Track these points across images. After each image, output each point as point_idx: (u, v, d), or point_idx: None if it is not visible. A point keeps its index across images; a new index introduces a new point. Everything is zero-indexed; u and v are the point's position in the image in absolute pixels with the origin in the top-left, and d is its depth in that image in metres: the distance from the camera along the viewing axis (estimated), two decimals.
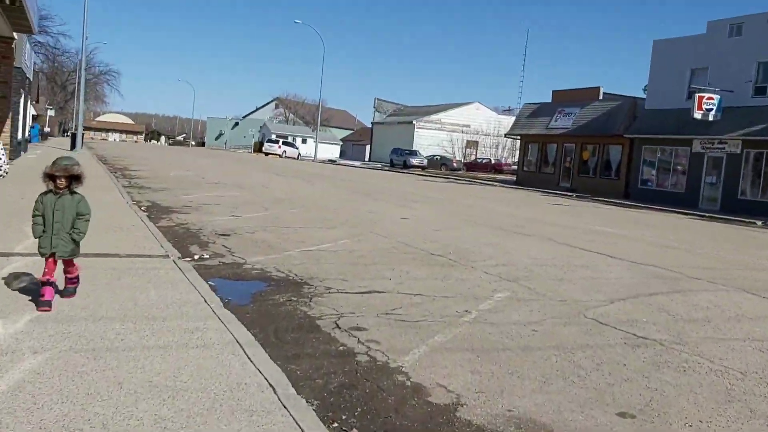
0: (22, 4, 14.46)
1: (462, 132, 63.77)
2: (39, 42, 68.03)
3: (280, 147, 67.55)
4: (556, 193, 33.19)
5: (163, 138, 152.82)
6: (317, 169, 42.80)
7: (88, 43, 36.72)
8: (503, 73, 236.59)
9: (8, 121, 20.11)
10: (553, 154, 38.97)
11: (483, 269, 9.00)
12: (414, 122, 64.27)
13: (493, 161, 58.73)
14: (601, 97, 37.05)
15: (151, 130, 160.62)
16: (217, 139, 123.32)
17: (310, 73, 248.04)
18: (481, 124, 64.57)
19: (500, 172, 55.94)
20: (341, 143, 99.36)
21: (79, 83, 41.11)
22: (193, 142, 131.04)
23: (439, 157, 58.62)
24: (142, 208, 13.03)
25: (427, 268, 8.75)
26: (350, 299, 6.73)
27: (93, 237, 8.62)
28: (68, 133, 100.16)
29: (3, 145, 20.08)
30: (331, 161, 65.36)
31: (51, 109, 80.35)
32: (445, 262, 9.39)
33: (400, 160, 57.11)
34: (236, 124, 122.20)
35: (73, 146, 36.23)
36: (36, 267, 6.47)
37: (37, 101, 70.93)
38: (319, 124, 68.32)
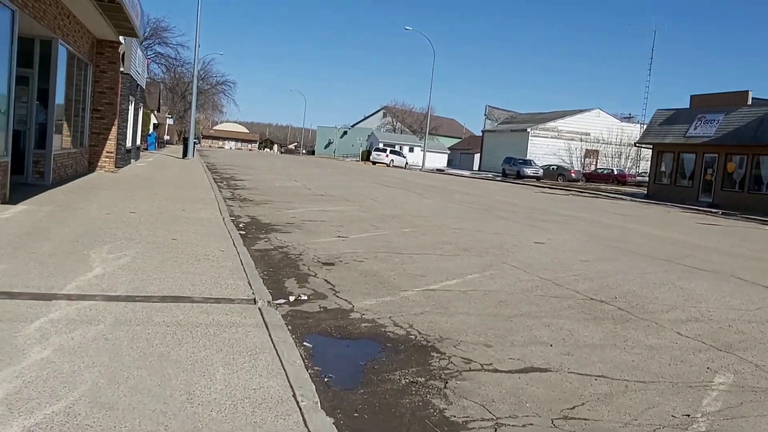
0: (121, 3, 13.40)
1: (581, 140, 59.87)
2: (160, 53, 70.70)
3: (387, 156, 66.32)
4: (697, 210, 29.36)
5: (275, 147, 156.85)
6: (426, 179, 40.86)
7: (205, 55, 36.89)
8: (622, 78, 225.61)
9: (114, 128, 19.53)
10: (691, 165, 34.91)
11: (672, 327, 6.57)
12: (528, 130, 61.07)
13: (615, 172, 54.54)
14: (749, 102, 32.73)
15: (265, 138, 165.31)
16: (326, 147, 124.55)
17: (418, 81, 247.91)
18: (601, 132, 60.42)
19: (624, 183, 51.80)
20: (449, 152, 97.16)
21: (193, 92, 41.48)
22: (304, 151, 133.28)
23: (555, 167, 55.21)
24: (240, 226, 11.49)
25: (594, 325, 6.44)
26: (503, 384, 4.59)
27: (171, 268, 7.06)
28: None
29: (107, 152, 19.52)
30: (439, 170, 63.33)
31: (171, 117, 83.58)
32: (614, 313, 7.02)
33: (513, 169, 54.16)
34: (345, 133, 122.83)
35: (185, 154, 36.30)
36: (87, 318, 4.79)
37: (158, 110, 73.77)
38: (427, 132, 66.47)
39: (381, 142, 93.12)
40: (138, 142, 29.46)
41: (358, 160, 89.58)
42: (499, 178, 51.45)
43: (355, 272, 8.20)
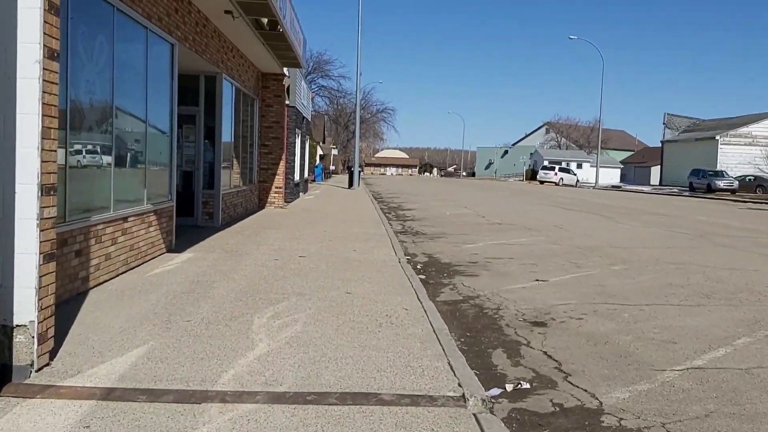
0: (283, 30, 12.60)
1: None
2: (323, 86, 72.99)
3: (555, 174, 62.81)
4: None
5: (435, 170, 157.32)
6: (604, 198, 37.37)
7: (365, 85, 36.71)
8: None
9: (282, 163, 19.07)
10: None
11: None
12: (717, 138, 54.76)
13: None
14: None
15: (424, 163, 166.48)
16: (486, 168, 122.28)
17: (582, 94, 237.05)
18: None
19: None
20: (621, 166, 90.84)
21: (354, 132, 41.52)
22: (464, 173, 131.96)
23: (752, 178, 48.73)
24: (418, 268, 9.96)
25: None
26: None
27: (349, 341, 5.39)
28: (349, 170, 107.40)
29: (276, 187, 19.07)
30: (615, 187, 58.69)
31: (335, 148, 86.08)
32: None
33: (702, 183, 48.54)
34: (505, 152, 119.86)
35: (350, 184, 36.09)
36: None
37: (324, 142, 76.12)
38: (599, 146, 62.09)
39: (546, 159, 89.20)
40: (306, 174, 29.46)
41: (522, 180, 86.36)
42: (687, 193, 46.27)
43: (578, 337, 6.24)
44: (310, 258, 9.93)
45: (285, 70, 18.80)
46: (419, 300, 7.28)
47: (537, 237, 14.67)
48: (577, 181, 63.21)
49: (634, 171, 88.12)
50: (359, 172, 37.08)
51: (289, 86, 22.31)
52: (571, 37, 57.49)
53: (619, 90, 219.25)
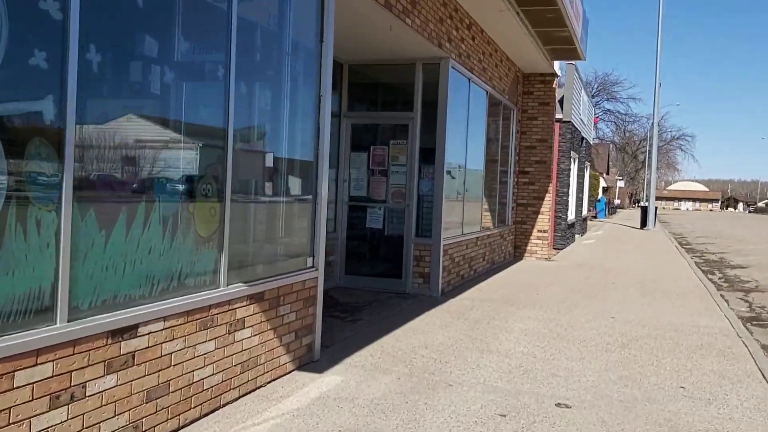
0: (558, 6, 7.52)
1: None
2: (608, 110, 65.11)
3: None
4: None
5: (740, 205, 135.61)
6: None
7: (660, 107, 29.30)
8: None
9: (550, 197, 13.61)
10: None
11: None
12: None
13: None
14: None
15: (727, 197, 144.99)
16: None
17: None
18: None
19: None
20: None
21: (650, 152, 34.00)
22: None
23: None
24: None
25: None
26: None
27: None
28: (638, 205, 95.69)
29: (539, 231, 13.66)
30: None
31: (621, 179, 76.81)
32: None
33: None
34: None
35: (644, 224, 28.79)
36: None
37: (608, 173, 67.88)
38: None
39: None
40: (584, 211, 23.36)
41: None
42: None
43: None
44: (590, 395, 4.52)
45: (556, 66, 13.45)
46: None
47: None
48: None
49: None
50: (654, 208, 29.54)
51: (563, 96, 16.85)
52: None
53: None
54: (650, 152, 33.47)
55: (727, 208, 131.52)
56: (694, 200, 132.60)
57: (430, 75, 8.71)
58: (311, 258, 5.29)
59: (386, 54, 8.43)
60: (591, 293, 9.47)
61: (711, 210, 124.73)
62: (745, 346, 6.48)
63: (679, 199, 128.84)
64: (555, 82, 13.55)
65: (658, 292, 9.79)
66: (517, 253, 13.65)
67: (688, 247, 20.54)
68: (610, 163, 71.08)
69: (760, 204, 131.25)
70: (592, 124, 25.64)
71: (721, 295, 10.11)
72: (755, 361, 5.91)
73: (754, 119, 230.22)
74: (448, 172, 9.09)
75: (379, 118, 9.37)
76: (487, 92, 10.84)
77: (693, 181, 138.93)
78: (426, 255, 8.73)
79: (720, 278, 12.86)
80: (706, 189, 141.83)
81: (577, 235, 20.39)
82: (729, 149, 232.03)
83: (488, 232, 11.48)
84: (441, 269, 8.72)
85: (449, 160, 8.97)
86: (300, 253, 5.26)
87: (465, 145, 9.95)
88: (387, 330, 6.54)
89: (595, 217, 37.71)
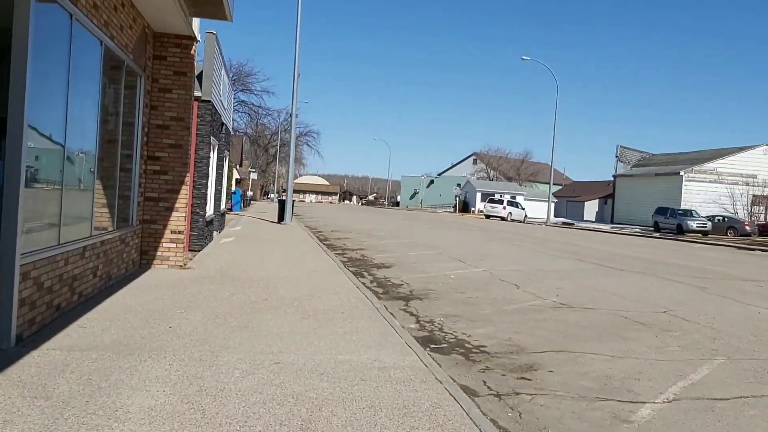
0: None
1: (746, 184, 48.70)
2: (243, 101, 64.58)
3: (504, 208, 56.74)
4: None
5: (354, 198, 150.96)
6: (577, 238, 30.92)
7: (286, 106, 28.79)
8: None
9: (186, 189, 11.04)
10: None
11: None
12: (681, 173, 50.22)
13: None
14: None
15: (344, 190, 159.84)
16: (411, 198, 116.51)
17: (511, 126, 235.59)
18: None
19: None
20: (555, 200, 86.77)
21: (281, 146, 33.62)
22: (385, 202, 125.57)
23: (723, 218, 44.31)
24: None
25: None
26: None
27: None
28: (269, 197, 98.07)
29: (173, 232, 10.93)
30: (567, 224, 53.17)
31: (254, 172, 77.44)
32: None
33: (671, 223, 43.55)
34: (431, 182, 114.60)
35: (281, 218, 28.01)
36: None
37: (241, 165, 67.39)
38: (551, 180, 56.71)
39: (479, 191, 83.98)
40: (223, 205, 21.23)
41: (453, 212, 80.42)
42: (657, 235, 40.94)
43: None
44: None
45: (196, 28, 10.92)
46: None
47: (585, 313, 7.34)
48: (525, 216, 57.44)
49: (566, 205, 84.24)
50: (292, 201, 29.08)
51: (203, 71, 14.42)
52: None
53: (546, 122, 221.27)
54: (283, 146, 33.03)
55: (344, 201, 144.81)
56: (318, 193, 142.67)
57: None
58: None
59: None
60: (240, 321, 7.25)
61: (331, 202, 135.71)
62: (456, 401, 4.96)
63: (305, 192, 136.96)
64: (194, 47, 11.01)
65: (321, 313, 8.07)
66: (144, 261, 10.76)
67: (327, 243, 19.99)
68: (243, 155, 70.84)
69: (370, 197, 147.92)
70: (232, 109, 23.71)
71: (385, 308, 8.89)
72: (463, 408, 4.38)
73: (367, 123, 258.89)
74: (37, 157, 5.93)
75: None
76: (102, 43, 7.80)
77: (316, 175, 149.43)
78: None
79: (372, 282, 11.94)
80: (327, 183, 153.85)
81: (215, 233, 18.15)
82: (345, 148, 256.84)
83: (104, 237, 8.41)
84: (16, 304, 5.52)
85: (35, 135, 5.80)
86: None
87: (65, 115, 6.80)
88: None
89: (230, 209, 36.15)
